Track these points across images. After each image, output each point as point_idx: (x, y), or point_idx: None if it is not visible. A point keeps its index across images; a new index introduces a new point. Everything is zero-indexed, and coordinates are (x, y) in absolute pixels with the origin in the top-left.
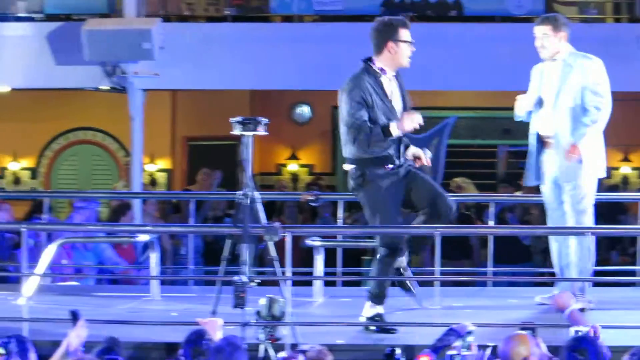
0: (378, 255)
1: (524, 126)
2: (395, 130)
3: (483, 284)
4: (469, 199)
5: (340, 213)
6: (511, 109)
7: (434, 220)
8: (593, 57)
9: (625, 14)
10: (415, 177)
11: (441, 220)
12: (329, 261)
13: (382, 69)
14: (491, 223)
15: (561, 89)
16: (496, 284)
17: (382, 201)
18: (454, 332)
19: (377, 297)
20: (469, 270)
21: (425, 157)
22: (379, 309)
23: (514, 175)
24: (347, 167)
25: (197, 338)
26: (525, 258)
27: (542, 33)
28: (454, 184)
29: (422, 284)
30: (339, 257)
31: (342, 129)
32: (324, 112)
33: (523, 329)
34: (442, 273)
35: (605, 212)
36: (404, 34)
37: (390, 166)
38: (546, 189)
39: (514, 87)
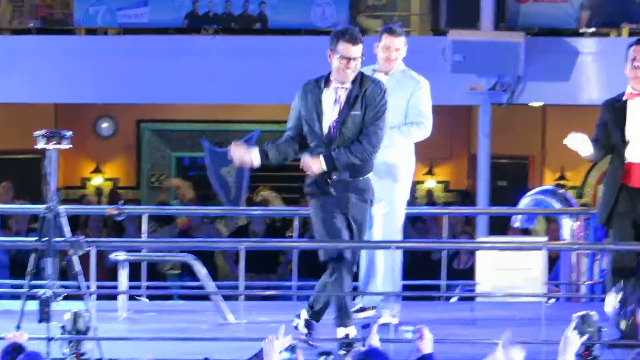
0: (329, 278)
1: None
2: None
3: (289, 298)
4: (275, 213)
5: (144, 227)
6: None
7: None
8: (421, 77)
9: (430, 27)
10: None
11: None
12: (134, 275)
13: (327, 80)
14: (296, 237)
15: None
16: (301, 298)
17: (327, 213)
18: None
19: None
20: (273, 284)
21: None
22: (351, 330)
23: None
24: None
25: (14, 350)
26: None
27: (398, 46)
28: (259, 197)
29: (226, 297)
30: (143, 271)
31: None
32: (128, 126)
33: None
34: (247, 287)
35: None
36: (342, 47)
37: (334, 178)
38: None
39: None
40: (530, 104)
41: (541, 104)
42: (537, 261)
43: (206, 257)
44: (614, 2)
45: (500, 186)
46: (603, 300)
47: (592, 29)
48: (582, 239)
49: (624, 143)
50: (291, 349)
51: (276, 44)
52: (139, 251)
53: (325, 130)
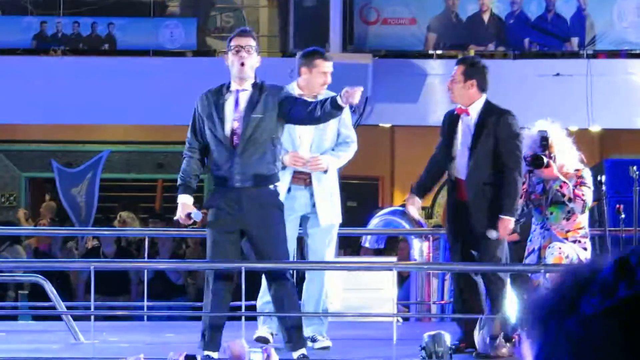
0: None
1: (177, 161)
2: None
3: (140, 318)
4: (124, 233)
5: None
6: (165, 143)
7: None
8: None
9: (279, 49)
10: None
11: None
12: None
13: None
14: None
15: None
16: (151, 318)
17: (210, 231)
18: None
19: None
20: (124, 304)
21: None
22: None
23: (169, 209)
24: None
25: None
26: (180, 293)
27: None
28: (120, 219)
29: (77, 318)
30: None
31: None
32: None
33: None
34: (97, 307)
35: None
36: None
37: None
38: None
39: (168, 122)
40: (379, 125)
41: (390, 125)
42: (388, 281)
43: (61, 278)
44: (460, 24)
45: (350, 207)
46: (453, 320)
47: (440, 51)
48: (431, 259)
49: (451, 159)
50: None
51: (125, 65)
52: None
53: (228, 133)
